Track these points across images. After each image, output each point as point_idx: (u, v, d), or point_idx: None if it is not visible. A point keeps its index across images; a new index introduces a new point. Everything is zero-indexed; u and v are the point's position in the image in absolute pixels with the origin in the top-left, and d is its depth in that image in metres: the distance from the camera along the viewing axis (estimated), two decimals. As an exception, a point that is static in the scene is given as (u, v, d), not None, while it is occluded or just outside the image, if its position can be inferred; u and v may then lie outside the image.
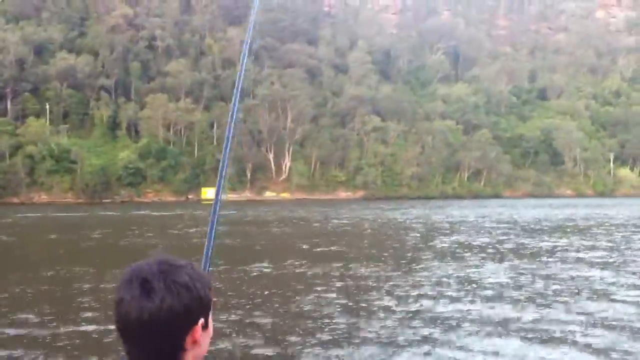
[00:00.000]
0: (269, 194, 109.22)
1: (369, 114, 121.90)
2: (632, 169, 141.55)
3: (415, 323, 12.59)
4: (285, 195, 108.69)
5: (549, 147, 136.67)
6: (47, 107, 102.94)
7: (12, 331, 12.08)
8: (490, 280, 18.27)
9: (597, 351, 10.44)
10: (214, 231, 2.39)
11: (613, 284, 17.56)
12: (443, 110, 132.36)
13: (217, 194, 2.54)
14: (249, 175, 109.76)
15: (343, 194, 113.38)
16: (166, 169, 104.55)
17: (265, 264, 21.43)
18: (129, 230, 37.59)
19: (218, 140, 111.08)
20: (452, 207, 74.02)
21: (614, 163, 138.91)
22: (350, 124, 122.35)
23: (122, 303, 1.45)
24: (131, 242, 30.37)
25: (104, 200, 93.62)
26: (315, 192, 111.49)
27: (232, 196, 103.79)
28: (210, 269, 2.25)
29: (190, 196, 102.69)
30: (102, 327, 12.22)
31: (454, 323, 12.48)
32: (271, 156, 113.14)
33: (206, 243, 2.33)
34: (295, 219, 50.31)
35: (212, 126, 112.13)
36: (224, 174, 2.53)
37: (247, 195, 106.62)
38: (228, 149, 2.62)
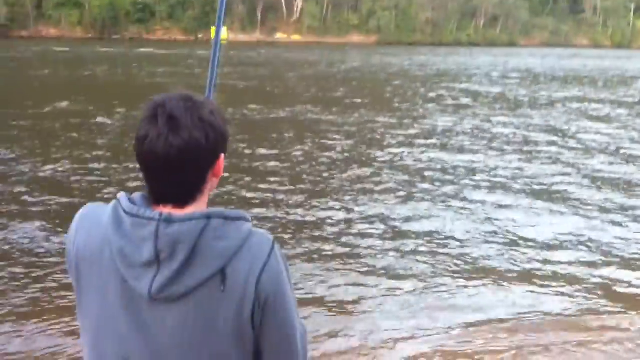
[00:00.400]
0: (280, 36, 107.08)
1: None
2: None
3: (425, 173, 12.82)
4: (297, 37, 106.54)
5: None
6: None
7: None
8: (500, 131, 18.40)
9: (597, 206, 10.70)
10: (217, 59, 2.35)
11: (622, 139, 17.71)
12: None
13: (218, 21, 2.49)
14: (259, 16, 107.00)
15: (355, 38, 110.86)
16: (175, 6, 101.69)
17: (274, 107, 21.48)
18: (140, 68, 37.39)
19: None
20: (466, 55, 72.85)
21: (634, 14, 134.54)
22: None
23: (147, 139, 1.46)
24: (142, 80, 30.32)
25: (113, 36, 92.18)
26: (327, 35, 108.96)
27: (242, 37, 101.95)
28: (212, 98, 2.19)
29: (199, 35, 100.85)
30: (105, 164, 12.48)
31: (461, 173, 12.71)
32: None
33: (209, 71, 2.30)
34: (306, 62, 49.77)
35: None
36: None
37: (257, 36, 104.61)
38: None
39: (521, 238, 8.77)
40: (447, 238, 8.68)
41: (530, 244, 8.56)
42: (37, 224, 8.48)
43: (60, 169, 11.80)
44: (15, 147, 13.37)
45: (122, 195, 1.54)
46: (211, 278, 1.45)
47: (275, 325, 1.53)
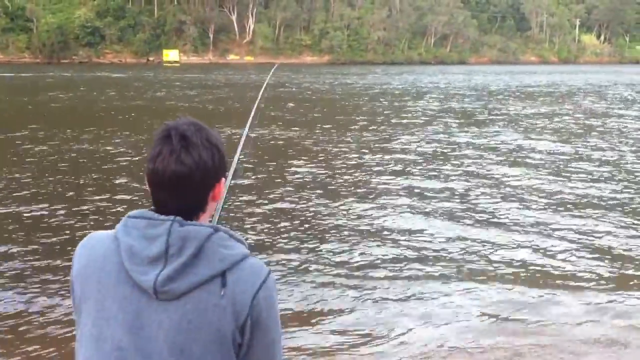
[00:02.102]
0: (232, 57, 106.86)
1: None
2: (597, 37, 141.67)
3: (391, 194, 12.62)
4: (249, 58, 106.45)
5: (516, 12, 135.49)
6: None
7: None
8: (466, 146, 18.40)
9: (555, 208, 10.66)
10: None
11: (577, 154, 17.87)
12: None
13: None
14: (211, 37, 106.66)
15: (308, 58, 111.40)
16: (125, 28, 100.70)
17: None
18: (99, 92, 36.60)
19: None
20: (420, 73, 73.63)
21: (579, 29, 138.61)
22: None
23: (160, 156, 1.59)
24: (108, 105, 29.65)
25: (62, 61, 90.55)
26: (280, 56, 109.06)
27: (194, 59, 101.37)
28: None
29: (151, 58, 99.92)
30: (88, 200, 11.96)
31: (428, 191, 12.56)
32: (234, 17, 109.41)
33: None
34: (262, 82, 49.43)
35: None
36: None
37: (209, 57, 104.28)
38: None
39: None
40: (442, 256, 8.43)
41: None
42: None
43: (23, 197, 11.22)
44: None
45: (131, 211, 1.66)
46: (213, 280, 1.56)
47: (263, 344, 1.63)
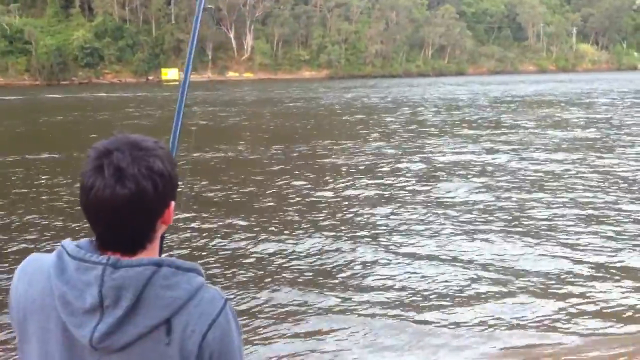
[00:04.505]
0: (231, 74, 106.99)
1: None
2: (593, 44, 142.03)
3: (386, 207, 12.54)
4: (248, 75, 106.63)
5: (513, 22, 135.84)
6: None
7: None
8: (476, 158, 18.37)
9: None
10: (180, 117, 2.33)
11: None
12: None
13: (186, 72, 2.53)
14: (210, 55, 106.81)
15: (307, 73, 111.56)
16: (124, 48, 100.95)
17: (237, 147, 21.09)
18: (97, 113, 36.62)
19: (176, 18, 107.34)
20: (421, 86, 73.79)
21: (576, 38, 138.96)
22: (313, 0, 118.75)
23: (93, 189, 1.39)
24: (102, 125, 29.64)
25: (61, 82, 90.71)
26: (278, 71, 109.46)
27: (193, 77, 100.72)
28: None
29: (150, 77, 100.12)
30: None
31: (424, 201, 12.47)
32: (232, 35, 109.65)
33: (173, 129, 2.27)
34: (261, 100, 49.56)
35: (169, 3, 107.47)
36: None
37: (208, 75, 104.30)
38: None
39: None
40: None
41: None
42: None
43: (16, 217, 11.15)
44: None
45: (67, 240, 1.49)
46: (156, 328, 1.41)
47: None
